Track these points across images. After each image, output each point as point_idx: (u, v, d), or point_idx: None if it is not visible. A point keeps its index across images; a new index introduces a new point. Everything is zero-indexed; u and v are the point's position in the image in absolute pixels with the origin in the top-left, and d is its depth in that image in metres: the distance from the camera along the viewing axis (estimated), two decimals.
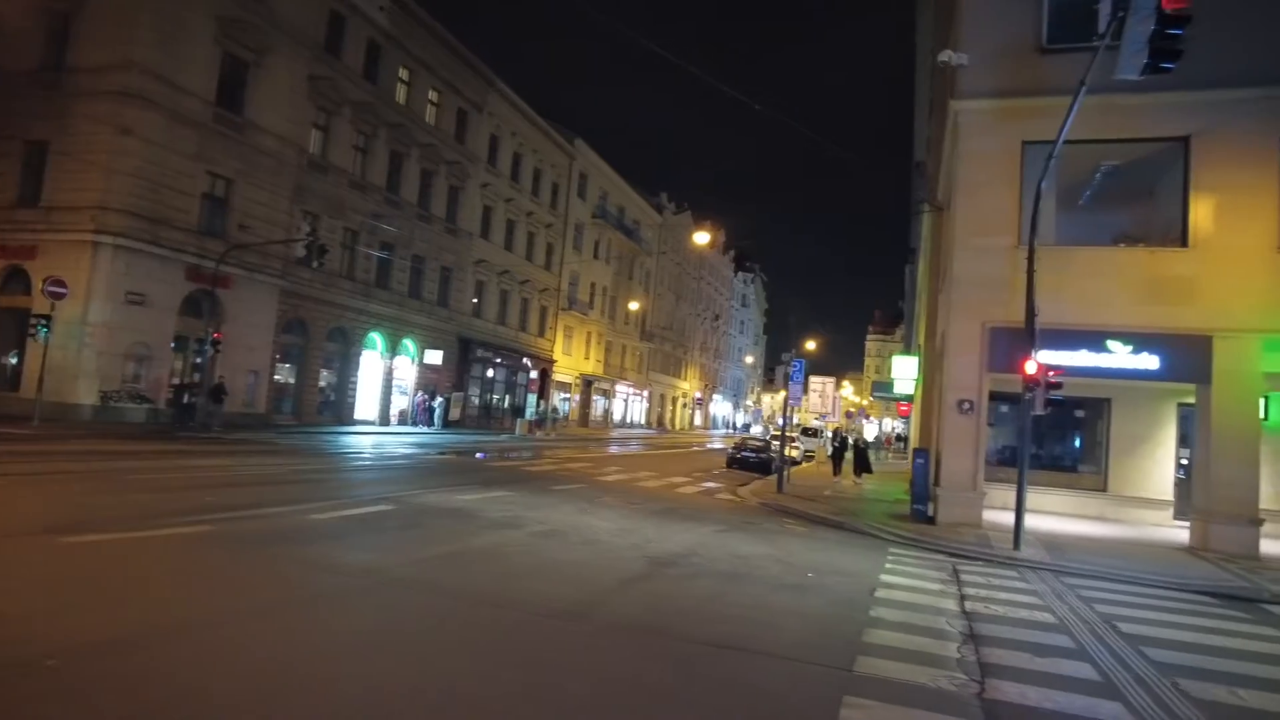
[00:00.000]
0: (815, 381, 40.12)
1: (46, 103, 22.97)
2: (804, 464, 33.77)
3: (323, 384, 30.73)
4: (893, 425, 69.37)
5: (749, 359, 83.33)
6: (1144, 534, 15.61)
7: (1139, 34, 10.16)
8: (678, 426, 69.46)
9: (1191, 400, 15.07)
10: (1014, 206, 15.13)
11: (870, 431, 63.47)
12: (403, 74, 33.50)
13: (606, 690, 5.07)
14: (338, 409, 31.15)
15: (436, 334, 36.00)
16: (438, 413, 34.61)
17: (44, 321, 20.57)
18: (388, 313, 32.92)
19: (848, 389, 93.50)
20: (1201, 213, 14.41)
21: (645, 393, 63.47)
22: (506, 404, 42.75)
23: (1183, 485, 16.77)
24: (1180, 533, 15.25)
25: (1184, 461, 17.11)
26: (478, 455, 23.87)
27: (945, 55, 16.45)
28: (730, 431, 71.43)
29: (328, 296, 29.81)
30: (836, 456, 29.14)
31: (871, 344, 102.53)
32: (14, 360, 23.21)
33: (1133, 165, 15.94)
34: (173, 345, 24.34)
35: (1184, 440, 17.25)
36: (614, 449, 35.07)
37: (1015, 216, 15.03)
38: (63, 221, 22.39)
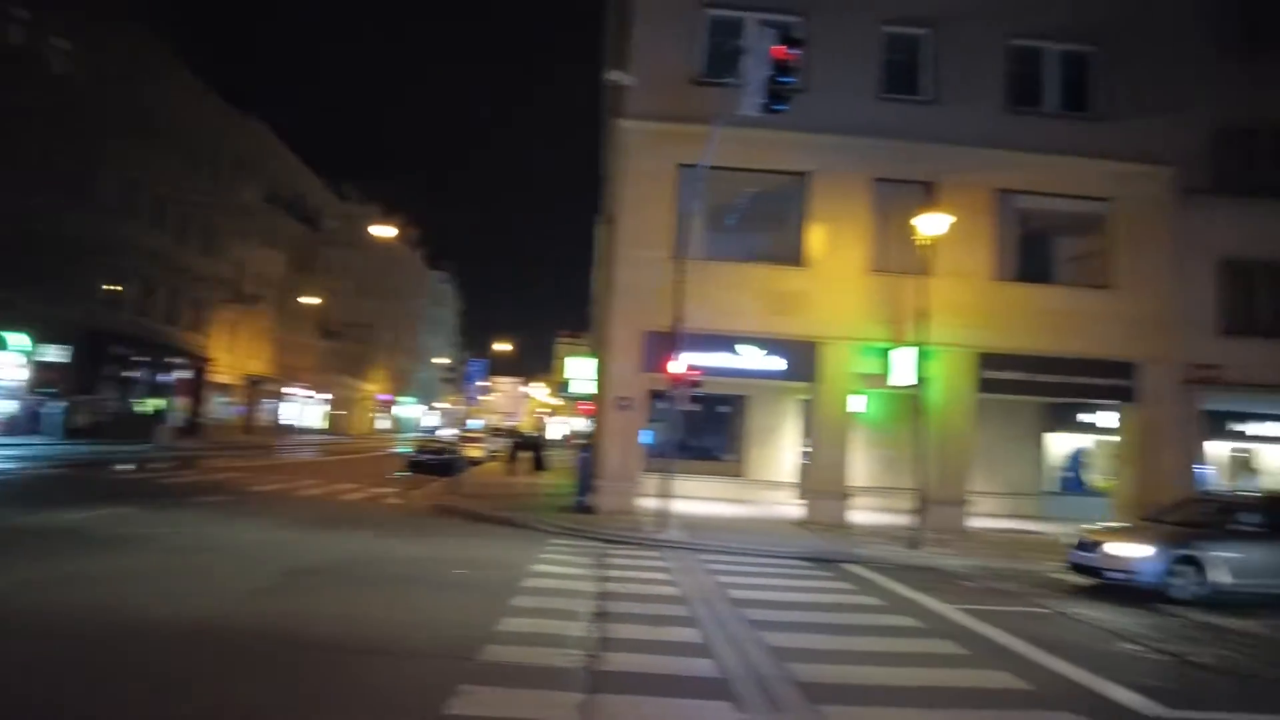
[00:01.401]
0: (502, 382, 40.45)
1: None
2: (489, 464, 33.89)
3: None
4: (584, 424, 72.54)
5: (441, 360, 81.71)
6: (771, 512, 17.96)
7: (757, 78, 11.68)
8: (360, 431, 65.90)
9: (806, 396, 17.69)
10: (670, 223, 16.47)
11: (559, 430, 65.63)
12: (18, 11, 27.71)
13: (208, 703, 4.61)
14: None
15: (57, 326, 30.28)
16: (56, 420, 29.13)
17: None
18: None
19: (543, 390, 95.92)
20: (815, 237, 16.97)
21: (323, 395, 59.33)
22: (151, 408, 37.27)
23: (803, 468, 19.59)
24: (798, 510, 17.74)
25: (806, 449, 19.97)
26: (114, 467, 20.58)
27: (614, 75, 17.52)
28: (421, 435, 69.55)
29: None
30: (514, 455, 29.68)
31: (563, 347, 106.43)
32: None
33: (770, 193, 18.26)
34: None
35: (806, 430, 20.14)
36: (280, 457, 32.31)
37: (671, 232, 16.36)
38: None
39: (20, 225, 28.10)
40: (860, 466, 18.18)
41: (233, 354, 44.48)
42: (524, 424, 54.94)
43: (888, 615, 8.62)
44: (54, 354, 29.89)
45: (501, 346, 49.43)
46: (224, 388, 44.53)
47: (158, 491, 15.92)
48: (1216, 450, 18.98)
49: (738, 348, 16.40)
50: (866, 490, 17.96)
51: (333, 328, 58.22)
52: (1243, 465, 19.68)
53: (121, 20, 31.86)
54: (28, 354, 29.27)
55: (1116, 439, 18.41)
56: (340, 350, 60.66)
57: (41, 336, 29.59)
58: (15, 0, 27.52)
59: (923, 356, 15.05)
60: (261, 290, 47.24)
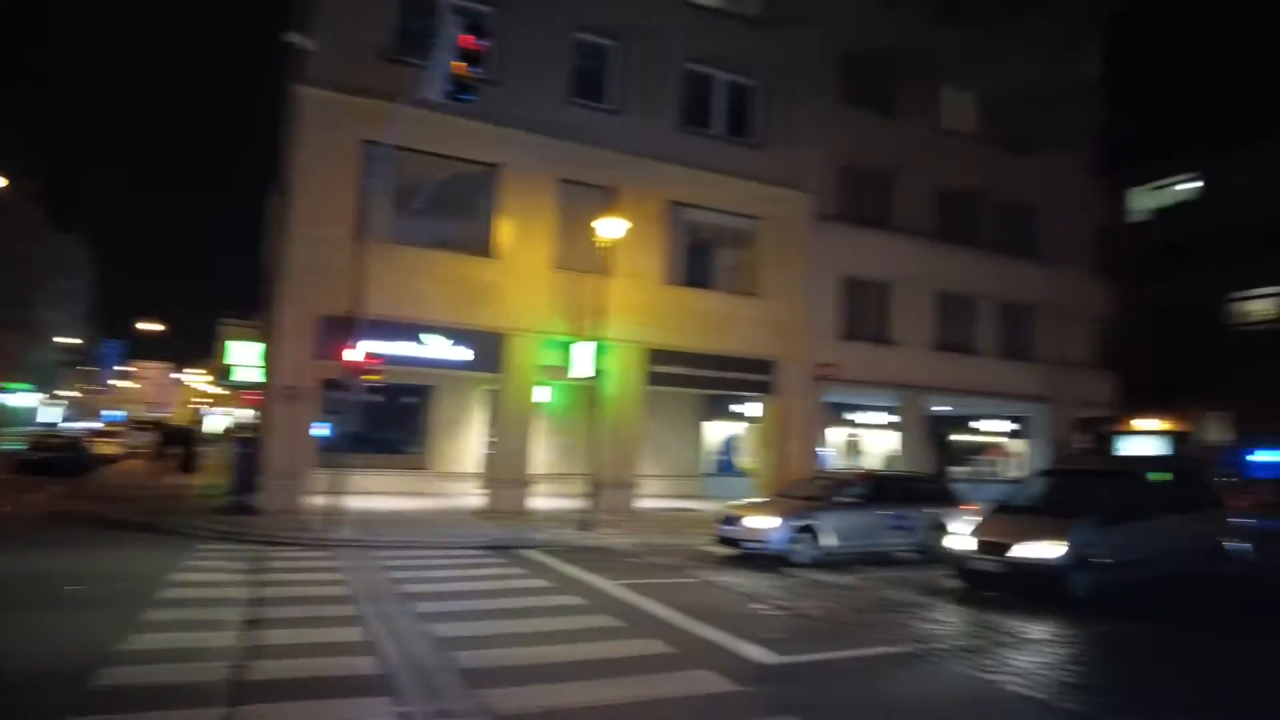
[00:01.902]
0: (150, 367, 35.29)
1: None
2: (129, 461, 29.36)
3: None
4: (250, 416, 65.54)
5: (68, 339, 68.71)
6: (455, 504, 17.87)
7: (444, 62, 11.51)
8: None
9: (493, 387, 17.86)
10: (351, 201, 15.56)
11: (220, 423, 58.80)
12: None
13: None
14: None
15: None
16: None
17: None
18: None
19: (202, 378, 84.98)
20: (505, 230, 17.15)
21: None
22: None
23: (488, 459, 19.71)
24: (481, 499, 17.83)
25: (492, 439, 20.11)
26: None
27: (294, 36, 16.13)
28: (40, 428, 58.11)
29: None
30: (160, 453, 25.81)
31: (228, 330, 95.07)
32: None
33: (460, 180, 18.03)
34: None
35: (492, 421, 20.29)
36: None
37: (352, 210, 15.49)
38: None
39: None
40: (541, 455, 18.80)
41: None
42: (177, 416, 48.29)
43: (555, 596, 9.05)
44: None
45: (149, 326, 42.99)
46: None
47: None
48: (835, 435, 22.68)
49: (423, 337, 16.04)
50: (546, 477, 18.61)
51: None
52: (853, 447, 23.70)
53: None
54: None
55: (759, 426, 21.08)
56: None
57: None
58: None
59: (600, 351, 15.97)
60: None
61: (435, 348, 16.15)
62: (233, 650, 6.09)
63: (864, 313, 21.75)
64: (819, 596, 9.80)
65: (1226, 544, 11.64)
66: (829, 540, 12.25)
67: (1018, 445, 24.95)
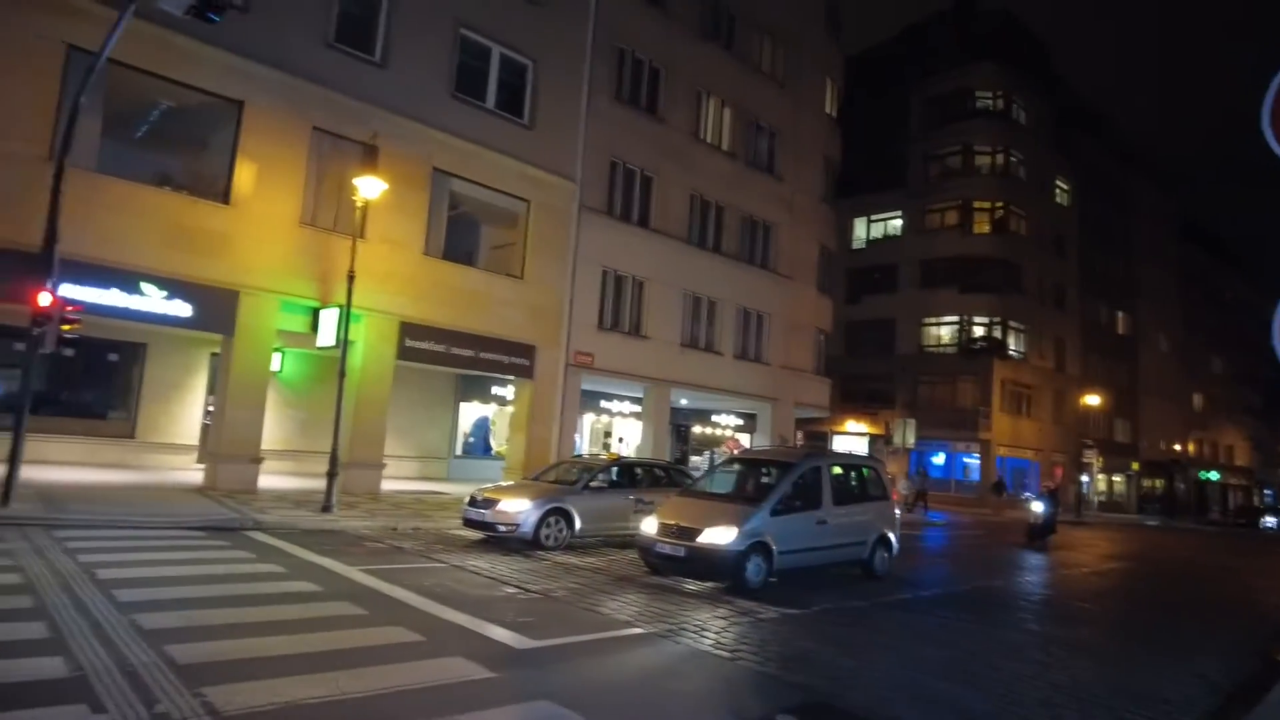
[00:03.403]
0: None
1: None
2: None
3: None
4: None
5: None
6: (166, 478, 15.77)
7: None
8: None
9: (222, 350, 15.97)
10: (48, 114, 13.13)
11: None
12: None
13: None
14: None
15: None
16: None
17: None
18: None
19: None
20: (244, 175, 15.31)
21: None
22: None
23: (207, 430, 17.65)
24: (200, 475, 15.93)
25: (211, 408, 18.00)
26: None
27: None
28: None
29: None
30: None
31: None
32: None
33: (191, 112, 15.82)
34: None
35: (213, 387, 18.16)
36: None
37: (48, 126, 13.08)
38: None
39: None
40: (274, 428, 17.21)
41: None
42: None
43: (287, 582, 8.29)
44: None
45: None
46: None
47: None
48: (586, 422, 23.21)
49: (141, 285, 13.89)
50: (280, 454, 17.07)
51: None
52: (604, 434, 24.43)
53: None
54: None
55: (514, 410, 20.97)
56: None
57: None
58: None
59: (348, 319, 14.85)
60: None
61: (147, 299, 14.03)
62: None
63: (621, 306, 22.45)
64: (567, 578, 9.95)
65: (891, 534, 12.49)
66: (578, 523, 12.48)
67: (746, 438, 27.25)
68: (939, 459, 39.43)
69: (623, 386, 23.12)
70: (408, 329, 17.40)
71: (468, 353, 18.69)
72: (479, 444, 23.51)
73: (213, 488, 14.56)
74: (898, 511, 13.62)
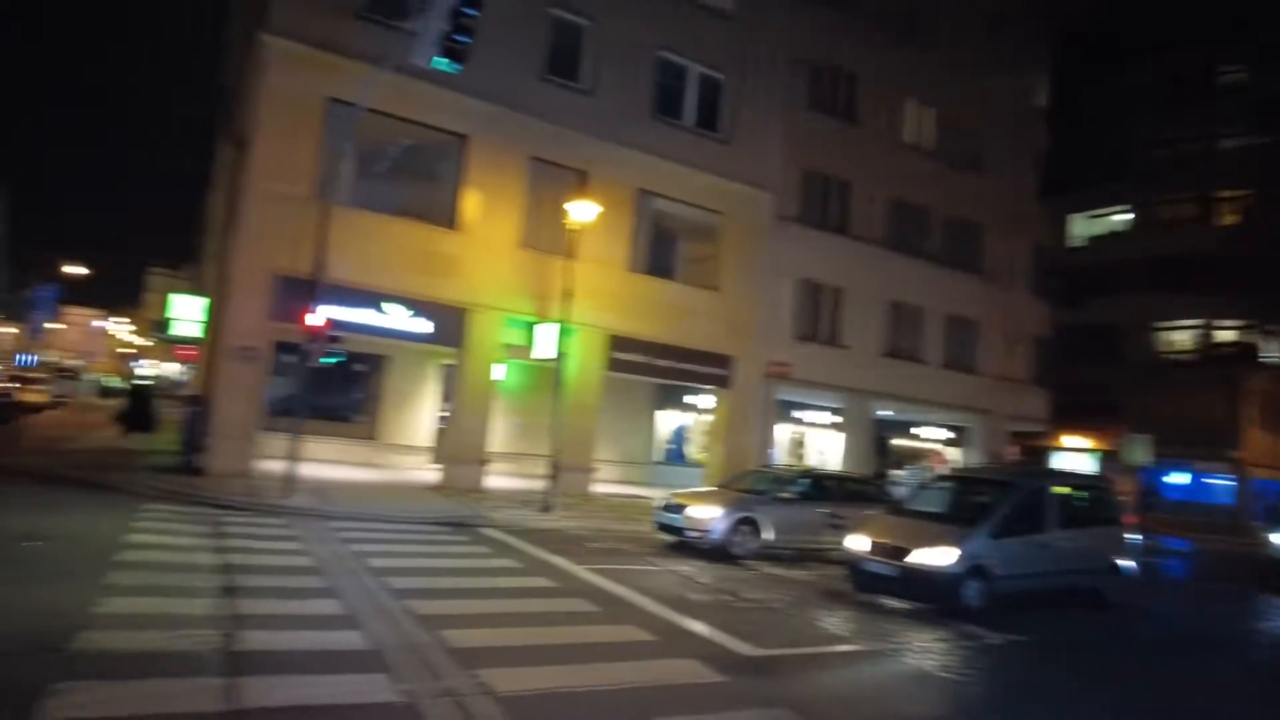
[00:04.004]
0: (75, 314, 33.51)
1: None
2: (52, 412, 27.91)
3: None
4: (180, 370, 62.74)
5: None
6: (405, 477, 17.59)
7: (435, 30, 11.27)
8: None
9: (450, 361, 17.63)
10: (313, 159, 15.10)
11: (149, 375, 56.23)
12: None
13: None
14: None
15: None
16: None
17: None
18: None
19: (127, 327, 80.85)
20: (470, 202, 16.86)
21: None
22: None
23: (441, 434, 19.44)
24: (432, 474, 17.61)
25: (444, 414, 19.81)
26: None
27: None
28: None
29: None
30: (133, 418, 21.53)
31: (156, 279, 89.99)
32: None
33: (423, 147, 17.61)
34: None
35: (443, 395, 20.00)
36: None
37: (313, 169, 15.03)
38: None
39: None
40: (497, 433, 18.64)
41: None
42: (102, 366, 45.96)
43: (524, 578, 9.05)
44: None
45: (74, 270, 40.32)
46: None
47: None
48: (782, 433, 23.13)
49: (383, 305, 15.68)
50: (500, 456, 18.48)
51: None
52: (798, 444, 24.23)
53: None
54: None
55: (711, 419, 21.32)
56: None
57: None
58: None
59: (563, 333, 15.92)
60: None
61: (395, 318, 15.81)
62: (213, 619, 5.93)
63: (818, 315, 22.20)
64: (778, 590, 10.05)
65: (1120, 562, 11.68)
66: (768, 534, 12.51)
67: (954, 453, 25.90)
68: (1179, 478, 35.30)
69: (821, 397, 22.80)
70: (615, 342, 18.28)
71: (668, 363, 19.29)
72: (676, 451, 24.11)
73: (447, 487, 16.05)
74: (1134, 536, 12.53)
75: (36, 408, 24.38)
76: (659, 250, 20.81)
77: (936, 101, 24.87)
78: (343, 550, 9.36)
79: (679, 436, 24.24)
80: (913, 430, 25.75)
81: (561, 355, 15.95)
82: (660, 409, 23.75)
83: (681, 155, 19.41)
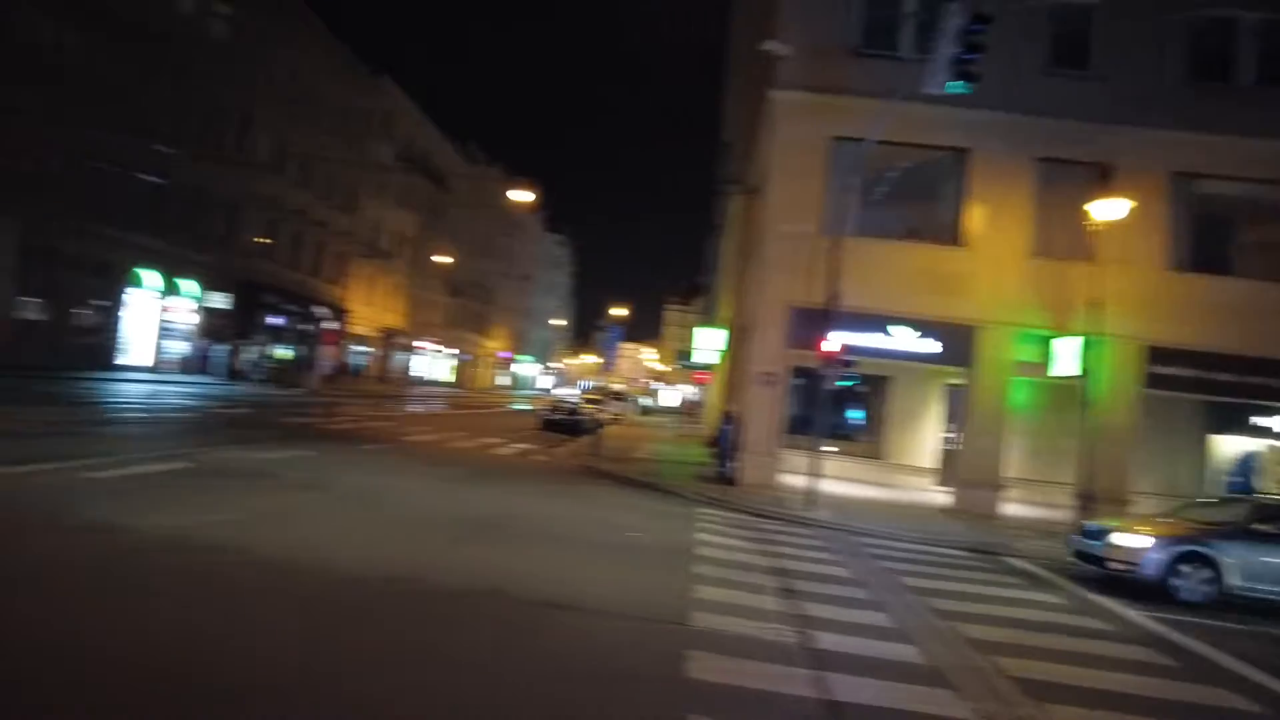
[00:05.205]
0: (625, 348, 40.97)
1: None
2: (611, 427, 34.64)
3: (82, 324, 26.97)
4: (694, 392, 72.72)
5: (556, 321, 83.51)
6: (913, 497, 17.72)
7: (945, 54, 11.32)
8: (482, 385, 68.43)
9: (956, 381, 17.25)
10: (819, 196, 16.30)
11: (670, 398, 66.07)
12: None
13: (449, 651, 5.06)
14: (99, 352, 27.50)
15: (219, 275, 32.69)
16: (222, 361, 31.70)
17: None
18: (162, 248, 29.35)
19: (653, 356, 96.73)
20: (974, 217, 16.39)
21: (450, 349, 61.84)
22: (296, 354, 39.87)
23: (947, 455, 19.10)
24: (942, 496, 17.41)
25: (948, 435, 19.45)
26: (278, 410, 22.22)
27: (770, 45, 17.26)
28: (537, 393, 71.66)
29: (86, 225, 26.02)
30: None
31: (671, 314, 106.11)
32: None
33: (921, 168, 17.69)
34: None
35: (949, 416, 19.62)
36: (417, 407, 33.98)
37: (820, 206, 16.20)
38: None
39: (189, 185, 30.36)
40: (1010, 457, 17.65)
41: (370, 307, 46.94)
42: (637, 389, 55.54)
43: (1070, 615, 8.44)
44: (218, 301, 32.27)
45: (618, 311, 49.81)
46: (361, 338, 47.11)
47: (322, 436, 17.08)
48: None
49: (890, 328, 16.10)
50: (1018, 482, 17.41)
51: (458, 285, 60.37)
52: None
53: None
54: (198, 300, 31.73)
55: None
56: (465, 308, 62.97)
57: (208, 285, 32.02)
58: None
59: (1087, 347, 14.45)
60: (395, 247, 49.49)
61: (902, 339, 16.12)
62: (784, 615, 6.82)
63: None
64: None
65: None
66: (1233, 577, 9.63)
67: None
68: None
69: None
70: (1153, 354, 15.92)
71: (1227, 377, 16.06)
72: (1242, 483, 19.76)
73: (960, 511, 15.70)
74: None
75: (602, 423, 30.39)
76: (1206, 241, 17.46)
77: None
78: (874, 565, 9.87)
79: (1245, 466, 19.84)
80: None
81: (1086, 372, 14.47)
82: (1215, 432, 19.76)
83: (1233, 123, 16.10)
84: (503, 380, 75.92)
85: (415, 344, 55.13)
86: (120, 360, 28.25)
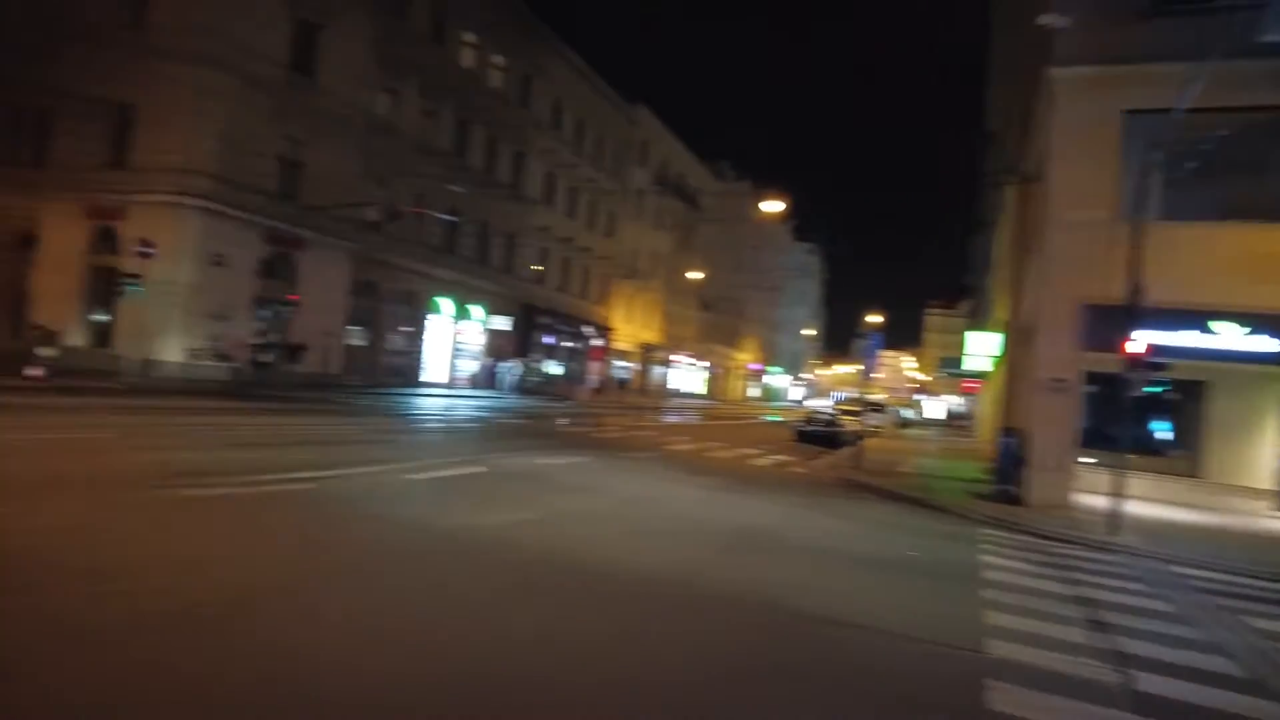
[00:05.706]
0: (885, 355, 39.30)
1: (130, 63, 23.39)
2: (870, 440, 33.22)
3: (392, 347, 31.37)
4: (960, 402, 67.84)
5: (807, 331, 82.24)
6: (1242, 523, 14.99)
7: None
8: (734, 397, 69.19)
9: None
10: (1112, 179, 14.46)
11: (934, 408, 62.22)
12: (467, 37, 33.42)
13: (730, 666, 5.03)
14: (406, 371, 31.75)
15: (501, 300, 36.29)
16: (506, 378, 35.13)
17: (133, 280, 21.27)
18: (455, 278, 33.22)
19: (910, 363, 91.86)
20: None
21: (702, 362, 63.30)
22: (567, 370, 43.03)
23: None
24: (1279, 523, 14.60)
25: None
26: (555, 420, 24.10)
27: (1046, 18, 15.71)
28: (788, 404, 71.00)
29: (397, 261, 30.20)
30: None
31: (933, 319, 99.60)
32: (104, 318, 24.01)
33: (1244, 134, 15.04)
34: (251, 306, 24.95)
35: None
36: (675, 418, 35.06)
37: (1113, 189, 14.37)
38: (150, 183, 22.94)
39: (475, 220, 34.13)
40: None
41: (629, 324, 49.59)
42: (897, 399, 52.99)
43: None
44: (500, 323, 35.84)
45: (873, 319, 47.65)
46: (622, 354, 49.86)
47: (594, 444, 18.13)
48: None
49: (1210, 324, 13.80)
50: None
51: (709, 299, 61.74)
52: None
53: (525, 23, 36.43)
54: (483, 323, 35.56)
55: None
56: (716, 321, 64.21)
57: (492, 309, 35.74)
58: (462, 25, 32.94)
59: None
60: (651, 267, 51.80)
61: (1226, 337, 13.72)
62: (1097, 651, 6.02)
63: None
64: None
65: None
66: None
67: None
68: None
69: None
70: None
71: None
72: None
73: None
74: None
75: (859, 435, 29.14)
76: None
77: None
78: (1204, 600, 8.43)
79: None
80: None
81: None
82: None
83: None
84: (753, 392, 76.15)
85: (670, 358, 57.13)
86: (423, 378, 32.35)
